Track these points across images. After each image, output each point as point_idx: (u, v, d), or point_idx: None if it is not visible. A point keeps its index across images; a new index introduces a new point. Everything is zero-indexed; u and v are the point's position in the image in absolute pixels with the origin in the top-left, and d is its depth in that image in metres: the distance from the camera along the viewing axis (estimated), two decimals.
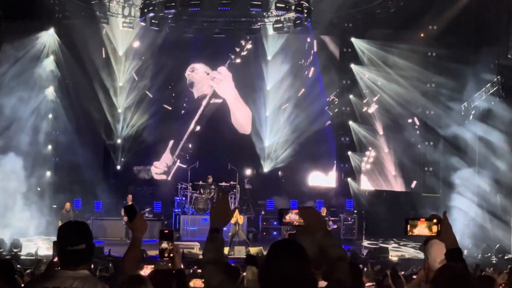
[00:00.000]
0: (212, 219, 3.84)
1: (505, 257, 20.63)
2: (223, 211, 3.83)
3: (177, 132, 26.94)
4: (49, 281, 4.04)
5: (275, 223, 24.00)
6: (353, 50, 25.95)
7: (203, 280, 6.29)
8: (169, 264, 5.07)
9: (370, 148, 26.02)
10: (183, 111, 27.09)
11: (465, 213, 21.84)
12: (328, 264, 3.66)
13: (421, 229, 4.08)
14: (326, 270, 3.72)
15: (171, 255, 4.93)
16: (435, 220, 4.08)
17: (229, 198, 4.02)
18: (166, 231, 4.97)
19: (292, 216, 3.82)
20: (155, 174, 26.87)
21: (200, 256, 15.35)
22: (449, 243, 4.10)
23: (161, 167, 26.86)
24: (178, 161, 26.63)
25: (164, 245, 4.89)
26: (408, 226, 4.09)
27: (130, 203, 23.15)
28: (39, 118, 24.27)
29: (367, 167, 26.13)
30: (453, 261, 4.05)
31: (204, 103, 27.06)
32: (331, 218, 23.16)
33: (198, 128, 26.98)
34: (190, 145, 26.83)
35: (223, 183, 24.55)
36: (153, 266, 6.40)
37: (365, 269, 12.63)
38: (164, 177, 26.68)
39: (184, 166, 25.38)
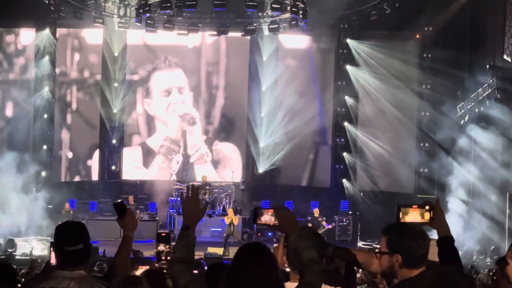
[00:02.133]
0: (184, 216, 3.80)
1: None
2: (195, 208, 3.79)
3: (173, 134, 26.86)
4: (46, 281, 4.04)
5: None
6: (348, 51, 25.91)
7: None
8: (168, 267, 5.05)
9: (365, 150, 25.98)
10: (181, 113, 26.97)
11: (460, 215, 21.84)
12: (300, 267, 3.63)
13: (413, 216, 4.01)
14: (299, 273, 3.69)
15: (168, 257, 4.91)
16: (427, 207, 4.03)
17: (199, 194, 3.96)
18: (164, 234, 4.96)
19: (267, 218, 3.79)
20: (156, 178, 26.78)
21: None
22: (442, 231, 4.07)
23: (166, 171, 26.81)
24: (181, 162, 26.57)
25: (161, 247, 4.87)
26: (400, 213, 4.03)
27: (132, 203, 23.23)
28: (34, 118, 24.18)
29: (362, 168, 26.08)
30: (445, 249, 4.02)
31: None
32: (325, 219, 23.09)
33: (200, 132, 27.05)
34: (192, 148, 26.80)
35: (218, 184, 24.54)
36: (148, 266, 6.38)
37: (360, 270, 12.63)
38: (166, 178, 26.53)
39: (187, 172, 25.44)
